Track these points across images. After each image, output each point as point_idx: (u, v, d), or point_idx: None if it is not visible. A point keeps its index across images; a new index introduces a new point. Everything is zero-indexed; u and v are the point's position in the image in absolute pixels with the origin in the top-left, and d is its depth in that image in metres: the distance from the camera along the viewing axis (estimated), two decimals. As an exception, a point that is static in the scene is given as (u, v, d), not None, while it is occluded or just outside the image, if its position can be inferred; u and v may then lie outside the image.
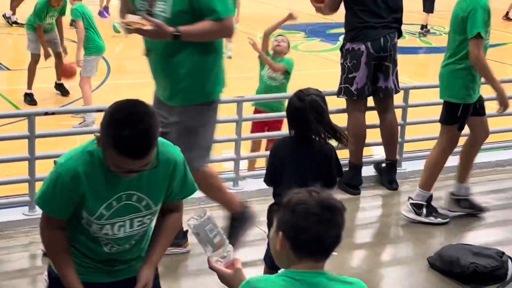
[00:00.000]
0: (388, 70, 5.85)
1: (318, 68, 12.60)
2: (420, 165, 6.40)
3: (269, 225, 3.69)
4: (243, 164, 6.28)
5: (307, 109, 3.69)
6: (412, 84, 7.36)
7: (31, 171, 5.03)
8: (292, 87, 10.42)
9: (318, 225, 2.12)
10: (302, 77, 12.42)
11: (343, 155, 6.16)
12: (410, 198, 5.42)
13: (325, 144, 3.74)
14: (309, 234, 2.12)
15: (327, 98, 6.00)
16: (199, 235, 2.45)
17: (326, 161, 3.73)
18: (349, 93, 5.83)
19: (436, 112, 7.33)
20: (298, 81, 9.69)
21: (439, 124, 7.07)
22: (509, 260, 4.68)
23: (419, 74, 12.85)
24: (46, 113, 5.29)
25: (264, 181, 3.92)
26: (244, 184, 5.74)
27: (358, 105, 5.87)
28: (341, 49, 5.95)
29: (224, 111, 6.83)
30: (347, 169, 5.95)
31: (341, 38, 6.39)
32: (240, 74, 12.65)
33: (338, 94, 5.92)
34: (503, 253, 4.71)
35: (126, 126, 2.46)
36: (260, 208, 5.51)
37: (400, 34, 5.92)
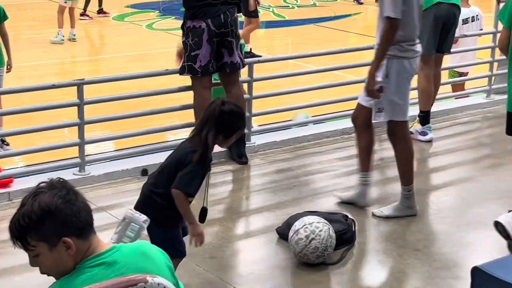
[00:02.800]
0: (232, 45, 5.86)
1: (173, 46, 12.51)
2: (269, 138, 6.54)
3: None
4: (92, 149, 6.18)
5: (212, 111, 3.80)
6: (258, 58, 7.43)
7: None
8: (149, 67, 10.37)
9: (77, 199, 2.19)
10: (159, 55, 12.35)
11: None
12: None
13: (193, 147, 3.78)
14: (82, 211, 2.17)
15: (173, 76, 6.04)
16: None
17: (181, 161, 3.76)
18: (193, 71, 5.80)
19: (282, 84, 7.52)
20: (155, 60, 9.66)
21: (286, 96, 7.24)
22: (353, 223, 4.83)
23: (272, 48, 13.02)
24: None
25: None
26: (91, 169, 5.62)
27: (203, 83, 5.86)
28: (182, 27, 5.92)
29: (65, 95, 6.71)
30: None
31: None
32: (82, 58, 12.41)
33: (181, 72, 5.88)
34: (348, 216, 4.86)
35: None
36: (107, 192, 5.47)
37: (239, 10, 5.95)
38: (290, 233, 4.44)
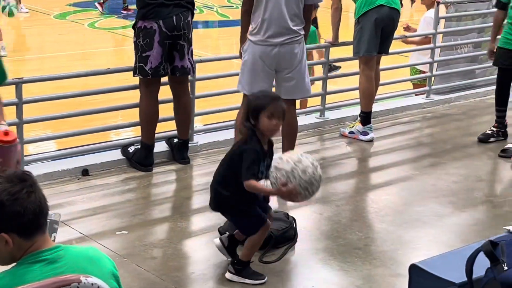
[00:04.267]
0: (183, 49, 5.78)
1: (115, 45, 12.44)
2: (211, 137, 6.53)
3: None
4: (32, 149, 6.10)
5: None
6: (200, 58, 7.39)
7: None
8: (91, 65, 10.26)
9: (29, 198, 2.15)
10: (101, 54, 12.24)
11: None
12: None
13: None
14: (28, 211, 2.14)
15: (124, 74, 5.98)
16: None
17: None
18: (144, 73, 5.71)
19: (225, 84, 7.52)
20: (98, 59, 9.53)
21: (229, 96, 7.25)
22: (294, 221, 4.86)
23: (217, 47, 13.02)
24: None
25: None
26: (31, 169, 5.54)
27: (151, 86, 5.76)
28: (134, 27, 5.82)
29: (5, 94, 6.59)
30: (139, 147, 5.93)
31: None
32: (24, 56, 12.22)
33: (134, 73, 5.79)
34: (288, 214, 4.89)
35: None
36: (47, 193, 5.36)
37: (192, 15, 5.90)
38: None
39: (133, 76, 5.81)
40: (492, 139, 6.90)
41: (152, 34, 5.63)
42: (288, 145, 5.64)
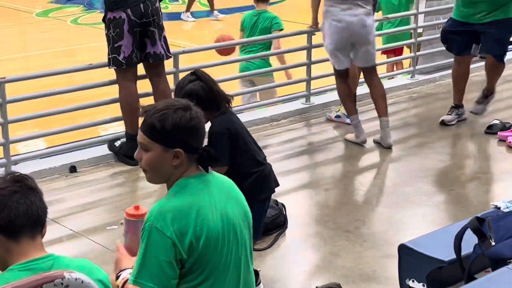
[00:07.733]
0: (154, 35, 5.78)
1: (99, 40, 12.33)
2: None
3: None
4: (20, 148, 6.09)
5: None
6: (182, 48, 7.37)
7: None
8: (76, 62, 10.20)
9: (12, 197, 2.13)
10: (86, 50, 12.20)
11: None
12: None
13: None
14: (19, 209, 2.11)
15: (100, 70, 5.97)
16: None
17: None
18: (118, 63, 5.73)
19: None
20: (83, 55, 9.47)
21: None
22: (283, 207, 4.88)
23: (202, 38, 13.00)
24: None
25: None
26: (18, 168, 5.53)
27: (127, 75, 5.78)
28: (104, 19, 5.83)
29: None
30: (125, 140, 5.92)
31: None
32: (8, 56, 12.16)
33: (108, 65, 5.82)
34: (277, 200, 4.90)
35: None
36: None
37: (159, 1, 5.90)
38: None
39: (108, 68, 5.80)
40: None
41: (121, 23, 5.63)
42: (383, 107, 6.41)
